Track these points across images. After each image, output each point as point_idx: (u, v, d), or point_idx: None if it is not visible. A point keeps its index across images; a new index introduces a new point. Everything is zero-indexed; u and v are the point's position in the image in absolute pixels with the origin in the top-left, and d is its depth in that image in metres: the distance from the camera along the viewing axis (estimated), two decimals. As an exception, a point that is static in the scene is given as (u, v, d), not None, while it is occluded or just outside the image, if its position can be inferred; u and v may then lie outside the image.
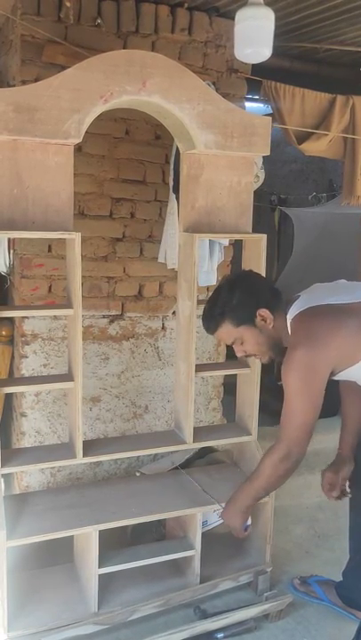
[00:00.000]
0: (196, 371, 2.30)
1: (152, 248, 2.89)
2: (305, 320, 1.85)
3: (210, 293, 3.03)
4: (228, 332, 1.94)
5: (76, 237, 2.03)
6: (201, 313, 2.04)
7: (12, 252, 2.83)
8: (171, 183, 2.72)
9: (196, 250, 2.22)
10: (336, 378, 1.88)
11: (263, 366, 2.44)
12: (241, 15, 2.25)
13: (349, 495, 2.20)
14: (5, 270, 2.91)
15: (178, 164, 2.45)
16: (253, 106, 3.57)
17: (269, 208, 5.24)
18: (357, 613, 2.24)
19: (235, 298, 1.91)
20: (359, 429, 2.18)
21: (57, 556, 2.39)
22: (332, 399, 2.84)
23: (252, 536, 2.49)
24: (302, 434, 1.86)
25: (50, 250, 2.72)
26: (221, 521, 2.71)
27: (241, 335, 1.93)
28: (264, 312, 1.90)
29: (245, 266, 2.41)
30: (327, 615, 2.28)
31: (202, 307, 2.36)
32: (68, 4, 2.47)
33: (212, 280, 2.79)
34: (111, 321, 2.91)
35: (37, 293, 2.74)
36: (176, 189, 2.56)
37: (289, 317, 1.90)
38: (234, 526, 2.09)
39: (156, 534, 2.58)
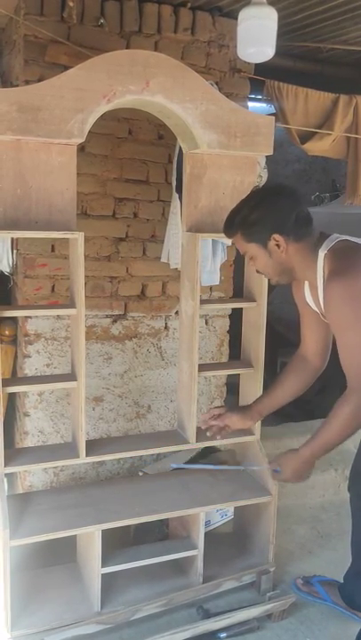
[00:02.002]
0: (198, 370, 2.30)
1: (155, 248, 2.89)
2: (345, 251, 1.77)
3: (212, 293, 3.06)
4: (239, 243, 1.87)
5: (79, 237, 2.03)
6: (203, 313, 2.04)
7: (15, 251, 2.84)
8: (174, 183, 2.72)
9: (199, 249, 2.22)
10: None
11: (266, 366, 2.44)
12: (244, 15, 2.25)
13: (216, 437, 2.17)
14: (8, 270, 2.91)
15: (181, 163, 2.45)
16: (256, 105, 3.56)
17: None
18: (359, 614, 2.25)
19: (254, 214, 1.80)
20: (279, 405, 2.15)
21: (60, 555, 2.40)
22: (332, 400, 2.84)
23: (254, 536, 2.49)
24: None
25: (53, 250, 2.72)
26: (225, 520, 2.73)
27: (250, 252, 1.85)
28: (278, 238, 1.78)
29: (248, 266, 2.40)
30: (330, 615, 2.28)
31: (205, 307, 2.37)
32: (71, 4, 2.47)
33: (215, 280, 2.79)
34: (114, 321, 2.91)
35: (40, 293, 2.74)
36: (179, 189, 2.56)
37: (323, 250, 1.80)
38: (300, 481, 1.96)
39: (158, 534, 2.58)
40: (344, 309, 1.68)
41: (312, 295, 1.93)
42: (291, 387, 2.11)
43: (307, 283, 1.93)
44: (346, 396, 1.72)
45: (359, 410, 1.70)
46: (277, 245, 1.79)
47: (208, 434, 2.17)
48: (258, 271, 1.93)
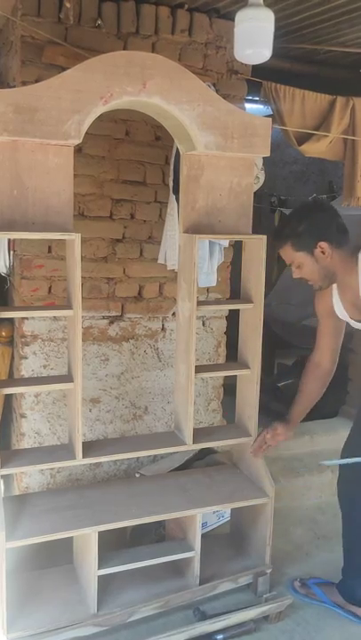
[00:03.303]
0: (195, 372, 2.30)
1: (152, 249, 2.89)
2: None
3: (210, 294, 3.06)
4: (288, 253, 2.14)
5: (76, 238, 2.03)
6: (200, 314, 2.07)
7: (12, 252, 2.84)
8: (171, 184, 2.72)
9: (196, 251, 2.22)
10: None
11: (263, 367, 2.44)
12: (241, 16, 2.25)
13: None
14: (5, 271, 2.91)
15: (178, 165, 2.45)
16: (253, 107, 3.57)
17: (270, 209, 5.24)
18: (359, 611, 2.26)
19: (301, 226, 2.09)
20: (307, 410, 2.40)
21: (56, 557, 2.39)
22: (332, 400, 2.84)
23: (251, 538, 2.49)
24: None
25: (50, 251, 2.72)
26: (222, 522, 2.72)
27: (298, 260, 2.12)
28: (324, 245, 2.07)
29: (245, 268, 2.42)
30: (327, 616, 2.28)
31: (202, 308, 2.38)
32: (68, 5, 2.47)
33: (212, 281, 2.79)
34: (111, 322, 2.91)
35: (37, 294, 2.74)
36: (176, 190, 2.56)
37: None
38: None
39: (155, 535, 2.58)
40: None
41: (343, 300, 2.18)
42: (313, 392, 2.36)
43: (335, 292, 2.20)
44: None
45: None
46: (323, 252, 2.08)
47: (255, 456, 2.41)
48: (302, 278, 2.17)
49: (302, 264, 2.12)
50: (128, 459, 2.91)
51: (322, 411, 3.17)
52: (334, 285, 2.20)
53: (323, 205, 2.20)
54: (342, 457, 2.33)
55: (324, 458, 2.55)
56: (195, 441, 2.36)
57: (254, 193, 2.42)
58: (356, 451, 2.25)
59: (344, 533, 2.35)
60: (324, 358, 2.32)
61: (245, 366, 2.43)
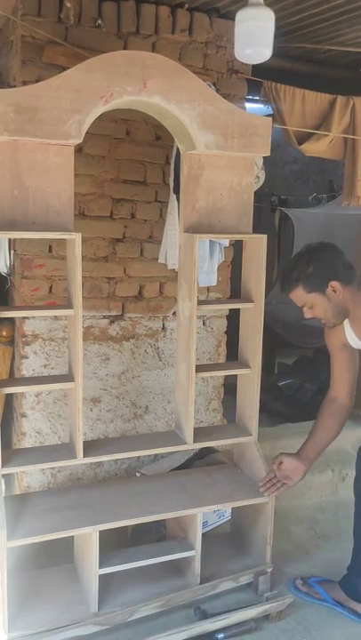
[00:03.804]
0: (196, 371, 2.30)
1: (152, 249, 2.90)
2: None
3: (210, 294, 3.06)
4: (299, 296, 2.15)
5: (76, 238, 2.03)
6: (201, 314, 2.07)
7: (12, 252, 2.84)
8: (171, 184, 2.72)
9: (197, 250, 2.22)
10: None
11: (263, 367, 2.44)
12: (241, 16, 2.25)
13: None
14: (6, 271, 2.91)
15: (178, 164, 2.45)
16: (254, 106, 3.57)
17: (270, 209, 5.24)
18: (359, 607, 2.27)
19: (310, 268, 2.10)
20: (323, 448, 2.33)
21: (57, 556, 2.39)
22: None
23: (252, 537, 2.49)
24: None
25: (50, 250, 2.72)
26: (222, 521, 2.73)
27: (311, 301, 2.13)
28: (335, 284, 2.10)
29: (245, 267, 2.42)
30: (327, 616, 2.28)
31: (202, 307, 2.38)
32: (68, 5, 2.47)
33: (213, 281, 2.79)
34: (112, 321, 2.91)
35: (38, 294, 2.74)
36: (177, 190, 2.56)
37: None
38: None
39: (156, 535, 2.58)
40: None
41: (356, 331, 2.19)
42: (329, 428, 2.30)
43: (347, 325, 2.21)
44: None
45: None
46: (334, 291, 2.10)
47: (267, 493, 2.34)
48: (315, 317, 2.19)
49: (315, 305, 2.13)
50: (129, 458, 2.91)
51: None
52: (346, 321, 2.20)
53: (326, 245, 2.20)
54: (359, 459, 2.33)
55: (323, 457, 2.55)
56: (195, 440, 2.36)
57: (254, 192, 2.42)
58: None
59: (355, 531, 2.34)
60: (340, 393, 2.28)
61: (246, 366, 2.43)
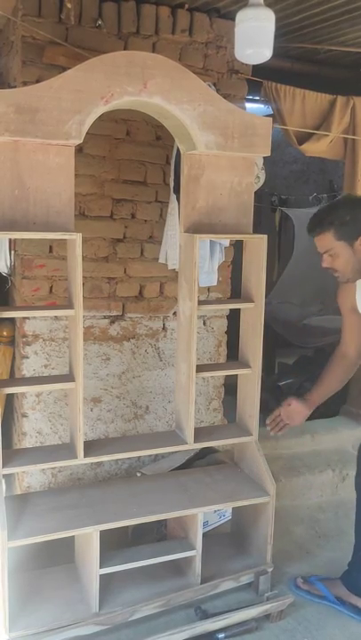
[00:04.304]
0: (196, 371, 2.31)
1: (153, 249, 2.90)
2: None
3: (210, 294, 3.06)
4: (327, 241, 2.11)
5: (77, 238, 2.04)
6: (201, 314, 2.06)
7: (13, 252, 2.84)
8: (171, 184, 2.72)
9: (197, 250, 2.22)
10: None
11: (264, 366, 2.44)
12: (242, 16, 2.25)
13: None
14: (6, 271, 2.91)
15: (178, 164, 2.45)
16: (254, 107, 3.57)
17: (270, 209, 5.24)
18: (359, 602, 2.29)
19: (349, 215, 2.07)
20: (328, 396, 2.42)
21: (58, 556, 2.40)
22: (333, 399, 2.84)
23: (252, 536, 2.50)
24: None
25: (51, 250, 2.72)
26: (223, 521, 2.73)
27: (337, 249, 2.10)
28: None
29: (246, 267, 2.42)
30: (328, 615, 2.29)
31: (203, 307, 2.38)
32: (68, 6, 2.47)
33: (213, 281, 2.80)
34: (112, 321, 2.91)
35: (38, 294, 2.74)
36: (177, 190, 2.56)
37: None
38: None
39: (156, 535, 2.59)
40: None
41: None
42: (337, 377, 2.39)
43: (359, 288, 2.20)
44: None
45: None
46: None
47: (272, 432, 2.43)
48: (331, 269, 2.16)
49: (339, 254, 2.10)
50: (129, 458, 2.91)
51: (323, 410, 3.17)
52: (359, 282, 2.19)
53: None
54: (360, 455, 2.36)
55: (324, 457, 2.56)
56: (196, 440, 2.36)
57: (255, 192, 2.42)
58: None
59: (357, 527, 2.35)
60: (350, 351, 2.34)
61: (246, 365, 2.43)
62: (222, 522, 2.75)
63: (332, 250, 2.11)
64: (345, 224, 2.07)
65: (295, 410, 2.36)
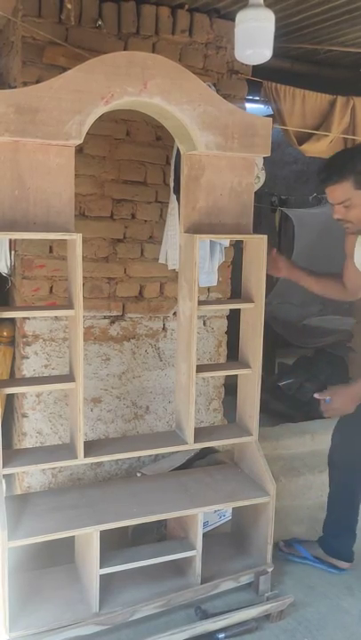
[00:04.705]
0: (197, 371, 2.31)
1: (153, 249, 2.90)
2: None
3: (210, 294, 3.06)
4: (344, 190, 2.02)
5: (77, 238, 2.04)
6: (201, 314, 2.06)
7: (13, 252, 2.84)
8: (171, 184, 2.72)
9: (197, 250, 2.22)
10: None
11: (264, 367, 2.44)
12: (242, 16, 2.25)
13: None
14: (6, 271, 2.91)
15: (179, 165, 2.45)
16: (254, 107, 3.57)
17: (270, 209, 5.25)
18: (339, 563, 2.49)
19: None
20: (305, 282, 2.48)
21: (58, 556, 2.40)
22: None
23: (252, 537, 2.50)
24: None
25: (51, 251, 2.73)
26: (223, 521, 2.73)
27: (353, 199, 2.01)
28: None
29: (246, 267, 2.42)
30: (328, 615, 2.29)
31: (203, 307, 2.38)
32: (69, 6, 2.47)
33: (213, 281, 2.80)
34: (112, 322, 2.92)
35: (38, 294, 2.74)
36: (177, 190, 2.56)
37: None
38: (347, 412, 2.22)
39: (157, 535, 2.59)
40: None
41: None
42: (329, 281, 2.45)
43: (359, 243, 2.19)
44: None
45: None
46: None
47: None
48: (342, 220, 2.09)
49: (355, 205, 2.02)
50: (129, 458, 2.91)
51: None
52: (360, 237, 2.18)
53: None
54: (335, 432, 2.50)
55: (323, 457, 2.56)
56: (196, 440, 2.36)
57: (255, 192, 2.42)
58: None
59: (329, 496, 2.54)
60: (346, 285, 2.40)
61: (246, 366, 2.43)
62: (222, 522, 2.75)
63: (350, 200, 2.02)
64: None
65: (283, 262, 2.45)
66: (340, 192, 2.03)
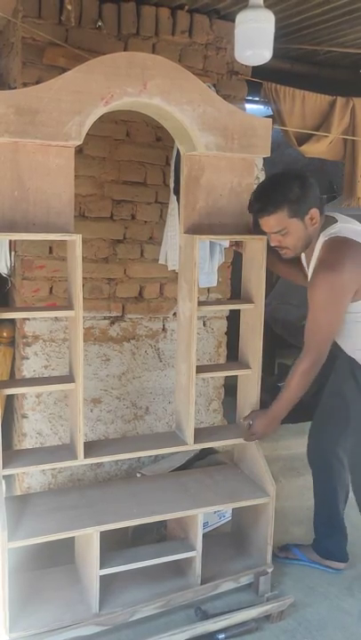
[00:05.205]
0: (196, 372, 2.31)
1: (153, 249, 2.90)
2: (338, 246, 2.05)
3: (210, 295, 3.06)
4: (279, 220, 2.04)
5: (76, 239, 2.04)
6: (201, 314, 2.07)
7: (13, 253, 2.84)
8: (171, 185, 2.73)
9: (197, 251, 2.22)
10: (350, 309, 2.10)
11: (264, 367, 2.44)
12: (241, 17, 2.26)
13: None
14: (6, 272, 2.91)
15: (178, 165, 2.45)
16: (254, 107, 3.57)
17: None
18: (334, 564, 2.50)
19: (300, 191, 2.02)
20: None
21: (58, 557, 2.40)
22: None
23: (252, 537, 2.50)
24: (326, 343, 2.12)
25: (51, 251, 2.73)
26: (223, 522, 2.73)
27: (289, 227, 2.05)
28: (315, 212, 2.05)
29: (245, 268, 2.42)
30: (328, 616, 2.29)
31: (202, 308, 2.38)
32: (69, 7, 2.48)
33: (213, 281, 2.80)
34: (112, 322, 2.92)
35: (38, 295, 2.74)
36: (177, 191, 2.56)
37: (323, 237, 2.09)
38: (266, 435, 2.34)
39: (157, 535, 2.59)
40: (322, 295, 2.04)
41: (306, 262, 2.24)
42: (294, 269, 2.41)
43: (304, 259, 2.24)
44: (302, 355, 2.13)
45: (312, 366, 2.12)
46: (311, 219, 2.05)
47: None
48: (280, 247, 2.11)
49: (291, 232, 2.05)
50: (129, 459, 2.91)
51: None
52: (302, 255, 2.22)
53: (305, 173, 2.13)
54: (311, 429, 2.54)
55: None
56: (196, 441, 2.36)
57: (255, 193, 2.42)
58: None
59: (314, 495, 2.55)
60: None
61: (246, 366, 2.43)
62: (222, 522, 2.75)
63: (286, 228, 2.04)
64: (298, 200, 2.01)
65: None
66: (275, 222, 2.05)
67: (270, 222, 2.06)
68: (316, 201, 2.05)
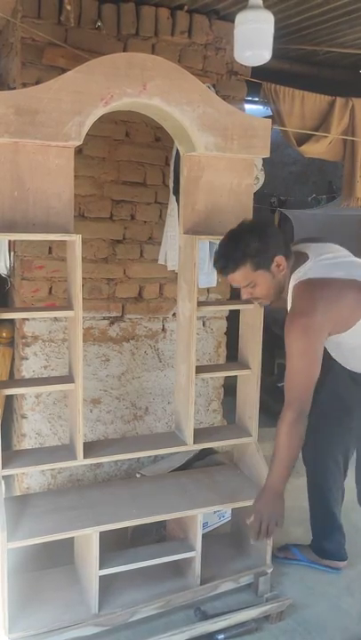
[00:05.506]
0: (196, 372, 2.31)
1: (152, 250, 2.90)
2: (308, 289, 1.99)
3: (210, 295, 3.06)
4: (244, 275, 2.02)
5: (76, 239, 2.04)
6: (201, 315, 2.06)
7: (12, 253, 2.84)
8: (171, 185, 2.73)
9: (197, 251, 2.22)
10: (326, 343, 2.05)
11: (263, 367, 2.44)
12: (241, 18, 2.26)
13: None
14: (6, 272, 2.91)
15: (178, 166, 2.45)
16: (253, 108, 3.58)
17: (269, 210, 5.25)
18: (333, 564, 2.51)
19: (257, 243, 1.98)
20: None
21: (57, 557, 2.40)
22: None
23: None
24: (308, 390, 2.00)
25: (50, 252, 2.73)
26: (222, 522, 2.73)
27: (256, 279, 2.02)
28: (280, 259, 2.01)
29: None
30: (328, 616, 2.29)
31: (202, 308, 2.38)
32: (68, 7, 2.48)
33: (213, 282, 2.80)
34: (111, 322, 2.92)
35: (38, 295, 2.74)
36: (176, 191, 2.56)
37: (293, 280, 2.03)
38: (279, 514, 2.10)
39: (156, 536, 2.59)
40: (296, 342, 1.98)
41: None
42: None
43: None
44: (284, 410, 2.00)
45: (298, 418, 1.98)
46: (278, 266, 2.02)
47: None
48: (253, 298, 2.10)
49: (259, 283, 2.03)
50: (129, 459, 2.91)
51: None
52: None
53: (261, 221, 2.12)
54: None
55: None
56: (195, 441, 2.36)
57: (254, 193, 2.42)
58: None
59: (309, 496, 2.54)
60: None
61: (246, 366, 2.43)
62: (222, 523, 2.75)
63: (253, 281, 2.02)
64: (258, 253, 1.98)
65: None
66: (240, 277, 2.02)
67: (236, 278, 2.04)
68: (279, 248, 2.01)
